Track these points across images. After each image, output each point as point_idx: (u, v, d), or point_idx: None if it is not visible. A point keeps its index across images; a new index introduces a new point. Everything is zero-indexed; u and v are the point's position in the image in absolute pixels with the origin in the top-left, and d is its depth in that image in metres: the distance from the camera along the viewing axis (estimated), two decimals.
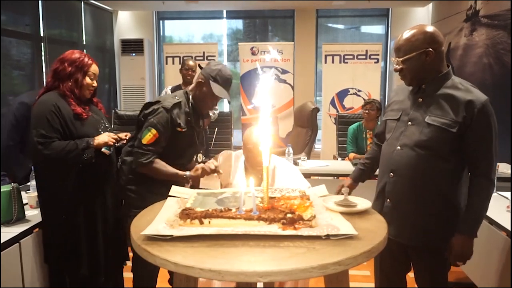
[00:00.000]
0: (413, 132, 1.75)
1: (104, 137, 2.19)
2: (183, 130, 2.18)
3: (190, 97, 2.24)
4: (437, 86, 1.75)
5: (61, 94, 2.21)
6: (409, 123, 1.78)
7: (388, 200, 1.80)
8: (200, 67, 2.32)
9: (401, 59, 1.72)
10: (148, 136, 2.12)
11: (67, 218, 2.20)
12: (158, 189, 2.05)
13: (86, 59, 2.29)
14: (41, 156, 2.17)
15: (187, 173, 2.20)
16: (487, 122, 1.65)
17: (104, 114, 2.41)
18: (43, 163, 2.20)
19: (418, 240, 1.73)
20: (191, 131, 2.25)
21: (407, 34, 1.74)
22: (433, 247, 1.76)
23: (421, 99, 1.78)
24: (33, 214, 2.34)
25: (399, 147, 1.77)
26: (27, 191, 2.59)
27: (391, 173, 1.79)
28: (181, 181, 2.15)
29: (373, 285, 2.14)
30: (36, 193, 2.49)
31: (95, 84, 2.31)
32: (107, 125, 2.37)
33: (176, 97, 2.21)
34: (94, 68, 2.30)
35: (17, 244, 2.08)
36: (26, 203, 2.41)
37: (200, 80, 2.23)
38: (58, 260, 2.24)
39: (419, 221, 1.73)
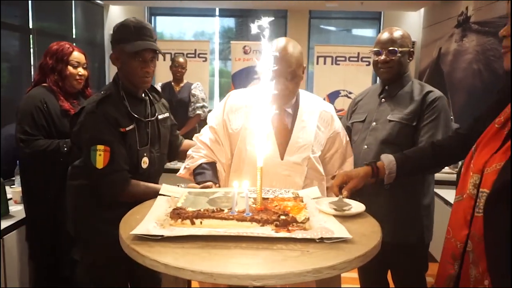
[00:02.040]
0: (377, 130, 1.85)
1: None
2: (128, 129, 1.67)
3: (120, 82, 1.73)
4: (400, 86, 1.88)
5: (49, 89, 2.17)
6: (374, 123, 1.88)
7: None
8: (160, 53, 1.79)
9: (399, 49, 1.82)
10: (99, 157, 1.60)
11: (51, 214, 2.15)
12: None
13: (66, 48, 2.22)
14: (22, 154, 2.12)
15: (182, 185, 1.69)
16: (437, 113, 1.76)
17: None
18: (27, 159, 2.15)
19: (392, 236, 1.70)
20: (140, 125, 1.73)
21: (398, 30, 1.89)
22: (407, 243, 1.83)
23: (384, 99, 1.91)
24: (18, 210, 2.29)
25: (365, 146, 1.87)
26: (12, 186, 2.53)
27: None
28: None
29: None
30: (20, 188, 2.44)
31: (81, 72, 2.22)
32: None
33: (102, 92, 1.71)
34: (76, 56, 2.22)
35: (0, 240, 2.03)
36: (10, 198, 2.35)
37: (113, 54, 1.72)
38: (42, 257, 2.19)
39: (391, 217, 1.77)
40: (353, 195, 1.47)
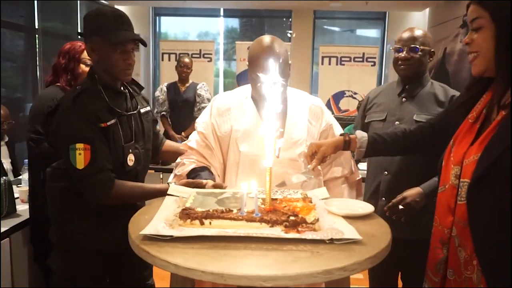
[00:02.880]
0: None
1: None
2: (109, 123, 1.55)
3: (97, 76, 1.61)
4: (420, 86, 1.89)
5: (62, 88, 2.18)
6: (397, 122, 1.87)
7: (384, 198, 1.85)
8: (144, 43, 1.69)
9: (420, 47, 1.84)
10: (79, 157, 1.48)
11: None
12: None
13: (77, 46, 2.22)
14: (31, 153, 2.12)
15: (172, 183, 1.61)
16: None
17: None
18: (35, 159, 2.15)
19: (404, 233, 1.70)
20: (122, 119, 1.62)
21: (419, 29, 1.91)
22: (422, 240, 1.77)
23: (404, 99, 1.90)
24: (24, 209, 2.29)
25: None
26: (19, 185, 2.54)
27: (385, 172, 1.85)
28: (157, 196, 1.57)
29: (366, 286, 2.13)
30: (27, 187, 2.44)
31: None
32: None
33: (78, 87, 1.59)
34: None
35: (7, 239, 2.03)
36: (17, 197, 2.36)
37: (88, 46, 1.60)
38: (46, 259, 2.19)
39: (413, 216, 1.75)
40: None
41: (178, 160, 1.74)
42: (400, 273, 2.03)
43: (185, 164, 1.69)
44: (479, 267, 1.09)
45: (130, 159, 1.63)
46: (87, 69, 2.18)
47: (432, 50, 1.91)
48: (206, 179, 1.57)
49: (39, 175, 2.14)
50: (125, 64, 1.59)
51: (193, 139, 1.74)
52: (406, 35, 1.89)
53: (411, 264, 1.87)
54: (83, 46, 2.18)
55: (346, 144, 1.51)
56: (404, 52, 1.87)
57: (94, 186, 1.51)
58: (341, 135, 1.53)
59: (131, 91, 1.74)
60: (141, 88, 1.81)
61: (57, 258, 1.72)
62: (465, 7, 1.21)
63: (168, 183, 1.62)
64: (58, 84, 2.24)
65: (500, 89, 1.13)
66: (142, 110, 1.75)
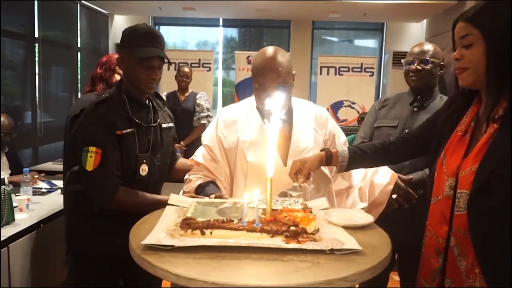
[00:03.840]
0: None
1: None
2: (125, 132, 1.62)
3: (124, 86, 1.70)
4: (431, 98, 1.99)
5: (98, 95, 2.22)
6: (407, 130, 1.89)
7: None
8: (168, 61, 1.77)
9: (430, 59, 1.93)
10: (90, 159, 1.55)
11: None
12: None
13: (113, 58, 2.32)
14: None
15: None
16: None
17: None
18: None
19: (400, 235, 1.68)
20: (141, 130, 1.68)
21: (429, 44, 2.01)
22: (415, 242, 1.77)
23: (416, 109, 1.98)
24: (23, 218, 2.29)
25: None
26: (17, 194, 2.53)
27: None
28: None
29: None
30: (26, 197, 2.44)
31: None
32: None
33: (104, 94, 1.70)
34: None
35: (6, 248, 2.02)
36: (16, 206, 2.35)
37: (120, 57, 1.71)
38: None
39: (400, 215, 1.74)
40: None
41: (186, 176, 1.75)
42: (398, 274, 2.06)
43: (192, 180, 1.70)
44: (481, 275, 1.12)
45: (143, 169, 1.68)
46: None
47: (442, 63, 1.99)
48: (212, 193, 1.58)
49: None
50: (148, 79, 1.66)
51: (199, 154, 1.74)
52: (416, 49, 1.99)
53: (408, 266, 1.87)
54: None
55: (328, 159, 1.50)
56: (415, 64, 1.96)
57: (99, 189, 1.57)
58: (322, 150, 1.53)
59: (155, 105, 1.80)
60: (165, 103, 1.87)
61: (70, 259, 1.78)
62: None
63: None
64: (96, 92, 2.32)
65: (490, 104, 1.17)
66: (164, 125, 1.81)
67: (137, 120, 1.67)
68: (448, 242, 1.21)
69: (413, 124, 1.94)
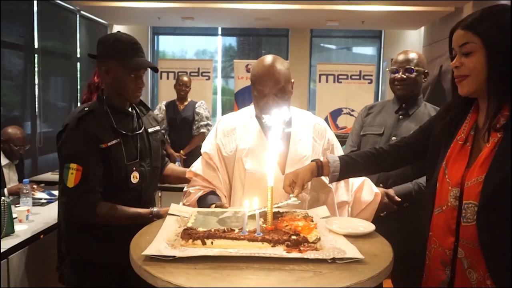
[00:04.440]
0: None
1: None
2: (110, 144, 1.63)
3: (105, 97, 1.71)
4: (416, 106, 2.02)
5: None
6: (394, 138, 1.95)
7: (381, 185, 1.93)
8: (156, 70, 1.77)
9: (415, 68, 1.96)
10: (71, 176, 1.56)
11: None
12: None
13: None
14: None
15: (155, 209, 1.67)
16: None
17: None
18: None
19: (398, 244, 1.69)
20: (127, 139, 1.70)
21: (414, 52, 2.03)
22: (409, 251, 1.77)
23: (402, 116, 2.01)
24: (23, 229, 2.28)
25: None
26: (17, 205, 2.53)
27: (381, 185, 1.92)
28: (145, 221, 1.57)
29: None
30: (26, 208, 2.44)
31: None
32: None
33: (86, 108, 1.66)
34: None
35: (5, 260, 2.01)
36: (16, 217, 2.35)
37: (103, 68, 1.68)
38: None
39: (393, 220, 1.81)
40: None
41: (185, 189, 1.74)
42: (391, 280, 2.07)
43: (192, 193, 1.69)
44: (493, 286, 1.10)
45: (135, 176, 1.70)
46: None
47: (426, 71, 2.02)
48: (213, 203, 1.58)
49: None
50: (136, 88, 1.70)
51: (197, 165, 1.74)
52: (401, 57, 2.01)
53: (402, 273, 1.86)
54: None
55: (319, 169, 1.48)
56: (400, 73, 1.98)
57: (79, 205, 1.59)
58: (312, 160, 1.52)
59: (138, 111, 1.81)
60: (148, 108, 1.89)
61: (67, 268, 1.78)
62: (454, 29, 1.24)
63: (151, 210, 1.66)
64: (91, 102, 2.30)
65: (491, 112, 1.17)
66: (150, 130, 1.83)
67: (122, 131, 1.68)
68: (455, 254, 1.19)
69: (398, 132, 1.96)
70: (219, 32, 7.83)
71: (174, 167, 2.02)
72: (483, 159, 1.14)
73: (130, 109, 1.78)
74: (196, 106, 4.55)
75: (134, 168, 1.69)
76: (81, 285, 1.73)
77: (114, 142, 1.64)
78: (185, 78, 4.56)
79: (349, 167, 1.49)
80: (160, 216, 1.61)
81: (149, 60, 8.25)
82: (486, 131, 1.18)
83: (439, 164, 1.28)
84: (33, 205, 2.63)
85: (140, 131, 1.76)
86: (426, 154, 1.40)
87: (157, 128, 1.89)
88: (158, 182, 1.93)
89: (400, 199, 1.87)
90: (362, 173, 1.63)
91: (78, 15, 6.28)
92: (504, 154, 1.11)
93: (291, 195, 1.43)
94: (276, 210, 1.40)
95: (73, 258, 1.74)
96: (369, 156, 1.52)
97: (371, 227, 1.36)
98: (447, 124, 1.30)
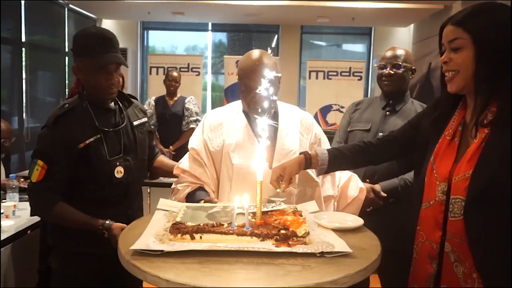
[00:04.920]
0: None
1: None
2: (89, 141, 1.61)
3: (85, 94, 1.69)
4: (403, 102, 2.03)
5: None
6: (381, 134, 1.96)
7: (368, 180, 1.95)
8: (126, 65, 1.74)
9: (402, 64, 1.98)
10: (36, 171, 1.57)
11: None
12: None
13: None
14: None
15: (107, 221, 1.60)
16: None
17: None
18: None
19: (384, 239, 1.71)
20: (109, 135, 1.68)
21: (401, 49, 2.05)
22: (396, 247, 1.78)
23: (388, 112, 2.03)
24: (9, 225, 2.25)
25: None
26: (3, 200, 2.49)
27: (367, 180, 1.95)
28: (96, 231, 1.60)
29: None
30: (13, 203, 2.41)
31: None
32: None
33: (66, 105, 1.65)
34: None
35: None
36: (2, 213, 2.32)
37: (74, 66, 1.66)
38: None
39: (380, 218, 1.79)
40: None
41: (173, 186, 1.73)
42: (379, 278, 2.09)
43: (180, 190, 1.67)
44: (479, 279, 1.12)
45: (119, 171, 1.68)
46: None
47: (413, 67, 2.04)
48: (201, 198, 1.58)
49: None
50: (107, 84, 1.63)
51: (184, 161, 1.73)
52: (389, 53, 2.03)
53: (389, 271, 1.88)
54: None
55: (307, 162, 1.48)
56: (388, 69, 2.00)
57: (37, 200, 1.62)
58: (301, 153, 1.52)
59: (121, 106, 1.77)
60: (130, 102, 1.82)
61: (55, 259, 1.77)
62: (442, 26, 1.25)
63: (103, 222, 1.61)
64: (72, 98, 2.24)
65: (478, 108, 1.18)
66: (135, 123, 1.80)
67: (102, 127, 1.66)
68: (442, 248, 1.21)
69: (385, 127, 1.98)
70: (210, 27, 7.79)
71: (164, 160, 1.99)
72: (471, 155, 1.16)
73: (113, 104, 1.74)
74: (186, 101, 4.53)
75: (117, 163, 1.68)
76: (69, 275, 1.71)
77: (93, 139, 1.62)
78: (175, 73, 4.54)
79: (337, 160, 1.49)
80: (111, 231, 1.58)
81: (138, 55, 8.10)
82: (473, 127, 1.19)
83: (427, 159, 1.29)
84: (19, 201, 2.60)
85: (123, 126, 1.73)
86: (413, 149, 1.41)
87: (144, 120, 1.85)
88: (147, 174, 1.92)
89: (386, 195, 1.89)
90: (349, 166, 1.64)
91: (66, 9, 6.20)
92: (491, 150, 1.13)
93: (278, 190, 1.43)
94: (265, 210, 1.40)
95: (61, 249, 1.72)
96: (357, 149, 1.53)
97: (359, 221, 1.37)
98: (436, 120, 1.31)
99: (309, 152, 1.50)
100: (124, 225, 1.54)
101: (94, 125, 1.64)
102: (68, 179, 1.62)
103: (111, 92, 1.67)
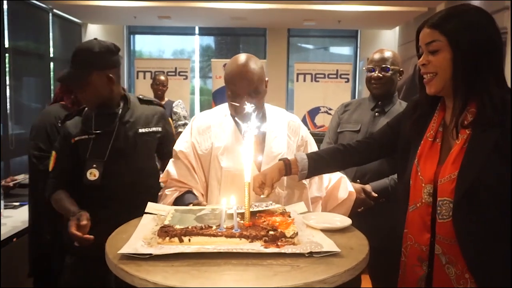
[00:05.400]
0: None
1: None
2: (78, 139, 1.74)
3: None
4: (391, 103, 2.05)
5: (66, 106, 2.16)
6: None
7: (358, 180, 1.97)
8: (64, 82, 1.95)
9: (391, 67, 2.00)
10: (51, 161, 1.80)
11: (57, 232, 2.08)
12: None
13: None
14: (35, 170, 2.10)
15: (78, 212, 1.58)
16: None
17: None
18: (38, 175, 2.12)
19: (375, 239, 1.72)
20: (99, 137, 1.74)
21: (389, 51, 2.06)
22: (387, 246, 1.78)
23: (377, 114, 2.05)
24: None
25: None
26: None
27: (358, 180, 1.96)
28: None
29: None
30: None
31: None
32: None
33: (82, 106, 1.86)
34: None
35: None
36: None
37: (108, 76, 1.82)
38: (46, 274, 2.14)
39: (371, 216, 1.84)
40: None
41: (160, 193, 1.70)
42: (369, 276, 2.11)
43: (168, 195, 1.64)
44: (472, 279, 1.13)
45: (92, 173, 1.72)
46: None
47: (401, 69, 2.06)
48: (190, 202, 1.55)
49: (43, 192, 2.11)
50: (80, 97, 1.81)
51: (170, 167, 1.69)
52: (377, 56, 2.04)
53: (379, 269, 1.89)
54: None
55: (287, 168, 1.47)
56: (377, 72, 2.01)
57: (46, 187, 1.78)
58: (280, 159, 1.51)
59: (124, 111, 1.80)
60: (125, 109, 1.82)
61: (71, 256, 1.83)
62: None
63: (79, 210, 1.61)
64: (62, 102, 2.21)
65: (457, 109, 1.20)
66: (142, 130, 1.81)
67: (95, 129, 1.74)
68: (432, 250, 1.21)
69: (374, 128, 1.99)
70: (197, 31, 7.79)
71: None
72: (455, 156, 1.17)
73: (117, 109, 1.79)
74: (174, 105, 4.52)
75: (94, 165, 1.71)
76: (73, 276, 1.76)
77: (82, 137, 1.74)
78: (162, 77, 4.53)
79: (317, 165, 1.49)
80: (79, 217, 1.53)
81: (124, 59, 8.04)
82: (453, 128, 1.21)
83: (410, 161, 1.30)
84: (5, 208, 2.56)
85: (115, 130, 1.74)
86: (394, 150, 1.42)
87: (155, 129, 1.85)
88: (146, 182, 1.83)
89: (376, 195, 1.90)
90: (330, 169, 1.64)
91: (51, 14, 6.14)
92: (474, 151, 1.14)
93: (262, 196, 1.43)
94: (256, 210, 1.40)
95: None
96: (336, 152, 1.53)
97: (347, 221, 1.38)
98: (415, 121, 1.32)
99: (288, 159, 1.50)
100: (85, 222, 1.52)
101: (89, 125, 1.75)
102: (70, 170, 1.76)
103: (87, 104, 1.82)
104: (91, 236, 1.49)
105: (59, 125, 1.86)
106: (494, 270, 1.12)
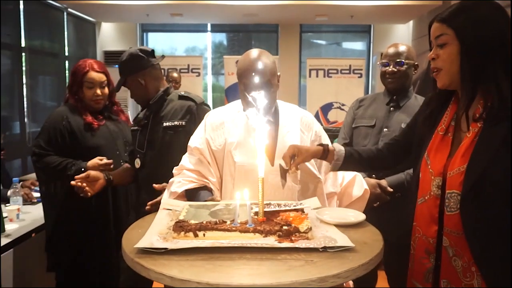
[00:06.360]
0: (390, 136, 1.86)
1: (94, 161, 2.08)
2: (132, 128, 2.17)
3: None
4: (406, 98, 2.04)
5: (74, 106, 2.18)
6: (385, 129, 1.98)
7: (374, 176, 1.98)
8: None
9: (405, 61, 1.98)
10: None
11: (75, 225, 2.16)
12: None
13: (81, 67, 2.16)
14: (34, 168, 2.14)
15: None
16: None
17: (129, 124, 2.32)
18: (40, 172, 2.17)
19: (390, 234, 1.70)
20: (141, 130, 2.10)
21: (403, 45, 2.05)
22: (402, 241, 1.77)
23: (392, 108, 2.04)
24: (14, 228, 2.27)
25: None
26: (7, 205, 2.51)
27: (373, 175, 1.97)
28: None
29: None
30: (16, 207, 2.42)
31: (98, 92, 2.16)
32: (126, 139, 2.25)
33: None
34: (92, 75, 2.14)
35: None
36: (6, 217, 2.33)
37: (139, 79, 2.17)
38: (65, 270, 2.19)
39: (387, 212, 1.84)
40: None
41: (172, 179, 1.69)
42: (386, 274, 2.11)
43: (181, 182, 1.63)
44: (478, 272, 1.13)
45: (137, 162, 2.07)
46: (90, 92, 2.15)
47: (416, 63, 2.04)
48: (205, 199, 1.56)
49: (50, 188, 2.16)
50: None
51: (185, 160, 1.70)
52: (391, 50, 2.02)
53: (394, 266, 1.89)
54: (88, 67, 2.15)
55: (324, 154, 1.50)
56: (391, 66, 2.00)
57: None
58: (319, 145, 1.53)
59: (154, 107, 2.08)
60: (158, 104, 2.10)
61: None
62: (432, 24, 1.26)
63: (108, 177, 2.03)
64: (72, 102, 2.22)
65: (465, 102, 1.20)
66: (166, 124, 2.03)
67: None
68: (440, 242, 1.21)
69: (389, 123, 1.99)
70: (209, 28, 7.80)
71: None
72: (464, 149, 1.17)
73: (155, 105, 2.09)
74: None
75: (138, 155, 2.09)
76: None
77: (134, 128, 2.13)
78: (175, 74, 4.55)
79: (352, 159, 1.50)
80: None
81: None
82: (464, 121, 1.21)
83: (421, 155, 1.30)
84: (23, 204, 2.61)
85: (148, 124, 2.08)
86: None
87: (177, 123, 2.03)
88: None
89: (392, 190, 1.89)
90: (363, 168, 1.68)
91: (65, 13, 6.22)
92: (484, 144, 1.14)
93: (286, 168, 1.45)
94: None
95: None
96: (372, 153, 1.54)
97: (361, 216, 1.38)
98: (427, 116, 1.33)
99: (328, 146, 1.51)
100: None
101: (139, 119, 2.11)
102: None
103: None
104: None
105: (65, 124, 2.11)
106: (501, 264, 1.12)
